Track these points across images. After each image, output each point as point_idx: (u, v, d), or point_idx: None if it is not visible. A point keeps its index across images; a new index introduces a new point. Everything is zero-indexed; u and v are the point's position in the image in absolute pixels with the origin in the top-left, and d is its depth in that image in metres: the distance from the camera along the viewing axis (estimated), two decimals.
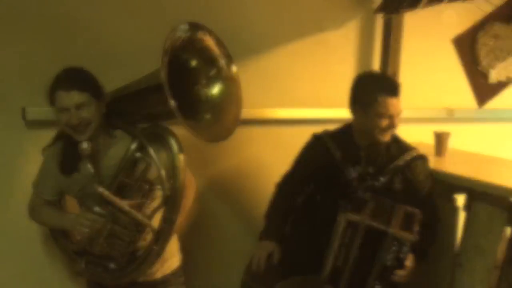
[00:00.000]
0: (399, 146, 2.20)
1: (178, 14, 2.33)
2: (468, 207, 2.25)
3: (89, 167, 1.80)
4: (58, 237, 2.04)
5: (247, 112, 2.60)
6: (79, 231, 1.82)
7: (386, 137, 2.10)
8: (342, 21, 2.91)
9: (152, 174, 1.88)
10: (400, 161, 2.13)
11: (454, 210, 2.33)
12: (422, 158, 2.19)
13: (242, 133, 2.72)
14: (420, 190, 2.15)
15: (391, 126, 2.08)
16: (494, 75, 3.32)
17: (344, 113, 2.94)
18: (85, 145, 1.74)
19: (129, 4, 2.39)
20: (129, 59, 2.21)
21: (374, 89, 2.09)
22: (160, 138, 1.89)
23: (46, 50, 2.24)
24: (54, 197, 1.97)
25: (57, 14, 2.26)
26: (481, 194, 2.17)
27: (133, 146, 1.85)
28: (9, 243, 2.11)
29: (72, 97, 1.76)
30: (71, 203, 2.04)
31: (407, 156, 2.16)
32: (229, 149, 2.70)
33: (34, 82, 2.24)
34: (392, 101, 2.06)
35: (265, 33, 2.71)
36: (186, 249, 2.07)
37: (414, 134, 3.21)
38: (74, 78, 1.80)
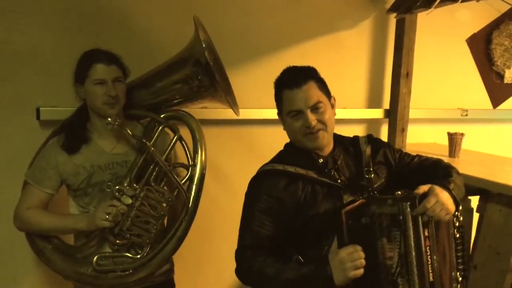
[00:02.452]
0: (350, 141, 1.82)
1: (186, 12, 2.36)
2: (482, 208, 2.24)
3: (100, 144, 1.91)
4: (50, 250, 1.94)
5: (257, 112, 2.63)
6: (101, 225, 1.80)
7: (316, 142, 1.67)
8: (355, 21, 2.90)
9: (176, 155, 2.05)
10: (367, 151, 1.75)
11: (468, 211, 2.31)
12: (370, 136, 1.85)
13: (253, 133, 2.75)
14: (396, 158, 1.81)
15: (309, 126, 1.63)
16: (509, 75, 3.30)
17: (358, 114, 2.97)
18: (112, 118, 1.82)
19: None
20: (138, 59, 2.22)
21: (277, 87, 1.72)
22: (181, 122, 2.04)
23: (61, 51, 2.26)
24: (53, 190, 1.91)
25: (75, 13, 2.29)
26: (495, 195, 2.15)
27: (160, 127, 1.96)
28: (20, 240, 2.11)
29: (112, 71, 1.86)
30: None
31: (363, 143, 1.79)
32: (235, 149, 2.72)
33: (48, 82, 2.27)
34: (295, 94, 1.64)
35: (276, 33, 2.71)
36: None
37: (428, 134, 3.21)
38: (113, 55, 1.90)
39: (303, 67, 1.72)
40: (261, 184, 1.69)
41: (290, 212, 1.64)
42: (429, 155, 1.83)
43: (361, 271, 1.48)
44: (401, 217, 1.50)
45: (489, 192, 2.18)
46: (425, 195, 1.54)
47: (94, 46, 1.92)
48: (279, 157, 1.77)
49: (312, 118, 1.63)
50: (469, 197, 2.32)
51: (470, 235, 2.31)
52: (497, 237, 2.14)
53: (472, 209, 2.32)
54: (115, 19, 2.35)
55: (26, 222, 1.90)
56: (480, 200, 2.26)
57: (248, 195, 1.73)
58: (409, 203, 1.50)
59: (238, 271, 1.69)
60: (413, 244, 1.49)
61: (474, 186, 2.21)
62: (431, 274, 1.51)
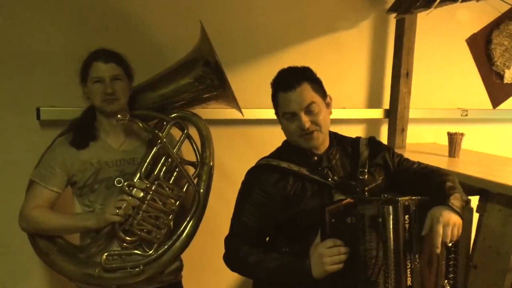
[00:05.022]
0: (351, 141, 1.85)
1: (189, 14, 2.36)
2: (481, 208, 2.24)
3: (107, 141, 1.92)
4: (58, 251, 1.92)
5: (256, 112, 2.63)
6: (111, 219, 1.80)
7: (311, 142, 1.71)
8: (355, 21, 2.90)
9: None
10: (364, 152, 1.78)
11: (468, 211, 2.31)
12: (371, 139, 1.87)
13: (253, 133, 2.75)
14: (394, 162, 1.83)
15: (303, 127, 1.66)
16: (509, 75, 3.30)
17: (357, 114, 2.97)
18: (122, 114, 1.85)
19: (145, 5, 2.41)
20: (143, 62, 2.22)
21: (273, 89, 1.74)
22: (188, 122, 2.06)
23: (61, 51, 2.26)
24: (60, 189, 1.89)
25: (77, 14, 2.30)
26: (495, 196, 2.14)
27: (169, 124, 1.97)
28: (20, 240, 2.11)
29: (110, 68, 1.87)
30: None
31: (363, 144, 1.81)
32: (240, 148, 2.72)
33: (48, 82, 2.27)
34: (289, 96, 1.66)
35: (277, 33, 2.71)
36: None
37: (428, 134, 3.21)
38: (112, 53, 1.91)
39: (298, 68, 1.73)
40: (255, 177, 1.76)
41: (278, 206, 1.70)
42: (429, 155, 1.83)
43: (339, 266, 1.51)
44: (380, 220, 1.51)
45: (489, 192, 2.18)
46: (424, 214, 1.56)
47: (96, 47, 1.93)
48: (276, 153, 1.82)
49: (305, 120, 1.66)
50: (469, 197, 2.32)
51: (470, 235, 2.31)
52: (497, 237, 2.14)
53: (472, 209, 2.31)
54: (117, 20, 2.36)
55: (33, 221, 1.87)
56: (480, 200, 2.25)
57: (243, 185, 1.79)
58: (391, 206, 1.52)
59: (225, 257, 1.76)
60: (392, 247, 1.51)
61: (474, 186, 2.21)
62: (409, 278, 1.53)
